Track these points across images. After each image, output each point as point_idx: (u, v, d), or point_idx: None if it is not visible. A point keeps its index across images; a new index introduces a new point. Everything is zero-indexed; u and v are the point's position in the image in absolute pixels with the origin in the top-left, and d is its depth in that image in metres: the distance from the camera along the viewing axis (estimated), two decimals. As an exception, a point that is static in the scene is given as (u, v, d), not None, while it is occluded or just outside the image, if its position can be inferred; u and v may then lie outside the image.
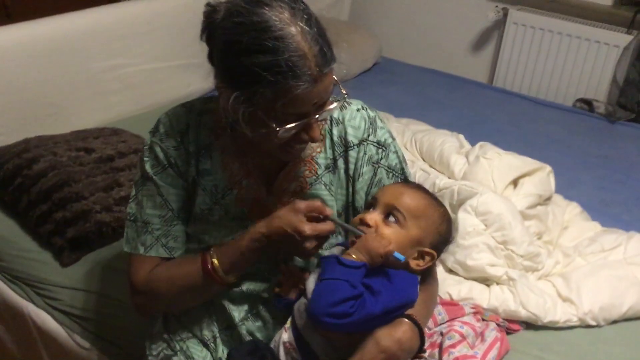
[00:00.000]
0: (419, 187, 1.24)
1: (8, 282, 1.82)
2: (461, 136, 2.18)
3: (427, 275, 1.26)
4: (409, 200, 1.17)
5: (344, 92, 1.16)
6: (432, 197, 1.23)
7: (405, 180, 1.31)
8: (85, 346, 1.65)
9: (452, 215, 1.76)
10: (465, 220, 1.70)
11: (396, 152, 1.30)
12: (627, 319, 1.61)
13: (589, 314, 1.57)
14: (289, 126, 1.07)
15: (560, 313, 1.57)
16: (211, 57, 1.13)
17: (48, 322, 1.73)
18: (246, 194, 1.26)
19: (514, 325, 1.56)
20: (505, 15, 3.25)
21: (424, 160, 2.10)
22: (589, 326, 1.58)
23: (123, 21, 2.52)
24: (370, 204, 1.20)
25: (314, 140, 1.14)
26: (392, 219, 1.15)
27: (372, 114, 1.28)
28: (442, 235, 1.22)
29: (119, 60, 2.52)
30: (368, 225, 1.15)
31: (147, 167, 1.24)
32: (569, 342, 1.54)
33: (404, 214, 1.15)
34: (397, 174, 1.29)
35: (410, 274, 1.17)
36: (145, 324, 1.44)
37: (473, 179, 1.85)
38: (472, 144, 2.12)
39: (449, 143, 2.07)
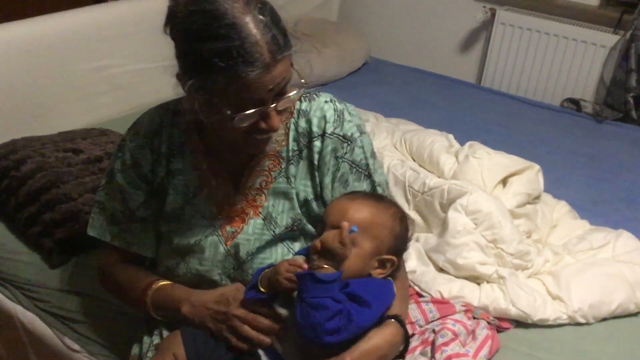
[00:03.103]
0: (364, 196, 1.22)
1: (-4, 284, 1.81)
2: (451, 136, 2.19)
3: (395, 270, 1.26)
4: (354, 214, 1.16)
5: (303, 81, 1.17)
6: (378, 201, 1.22)
7: (368, 177, 1.30)
8: (74, 348, 1.63)
9: (442, 214, 1.78)
10: (456, 219, 1.70)
11: (362, 147, 1.29)
12: (616, 317, 1.62)
13: (579, 311, 1.58)
14: (244, 113, 1.09)
15: (550, 311, 1.57)
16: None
17: (37, 324, 1.71)
18: (216, 193, 1.29)
19: (505, 323, 1.56)
20: (493, 15, 3.26)
21: (413, 159, 2.10)
22: (578, 324, 1.59)
23: (110, 22, 2.50)
24: (320, 227, 1.19)
25: (272, 130, 1.14)
26: None
27: (340, 106, 1.28)
28: (397, 236, 1.21)
29: (106, 61, 2.50)
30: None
31: (116, 163, 1.32)
32: (559, 340, 1.54)
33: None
34: (360, 169, 1.29)
35: (385, 280, 1.18)
36: (135, 327, 1.44)
37: (463, 178, 1.86)
38: (461, 143, 2.13)
39: (438, 142, 2.07)
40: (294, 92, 1.15)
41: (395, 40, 3.70)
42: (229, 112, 1.09)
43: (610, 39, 2.98)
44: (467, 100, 3.04)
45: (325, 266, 1.10)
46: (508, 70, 3.31)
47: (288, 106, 1.17)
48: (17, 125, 2.24)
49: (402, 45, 3.68)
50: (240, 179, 1.29)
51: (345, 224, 1.12)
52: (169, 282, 1.32)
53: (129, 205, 1.31)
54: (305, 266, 1.12)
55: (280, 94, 1.12)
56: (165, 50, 2.84)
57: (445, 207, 1.78)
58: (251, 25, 1.05)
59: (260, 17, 1.06)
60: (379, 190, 1.32)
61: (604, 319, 1.61)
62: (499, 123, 2.79)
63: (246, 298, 1.18)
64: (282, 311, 1.16)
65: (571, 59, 3.11)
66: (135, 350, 1.37)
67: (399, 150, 2.16)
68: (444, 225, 1.74)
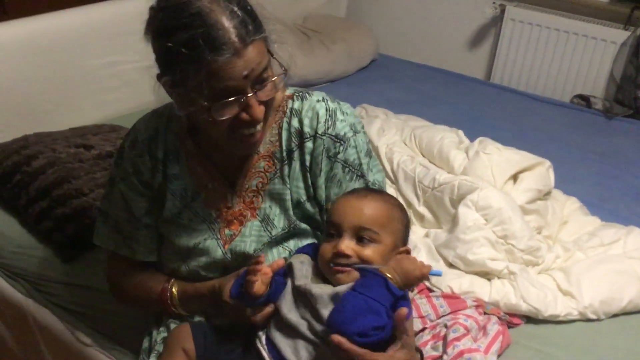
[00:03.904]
0: (368, 192, 1.20)
1: (8, 278, 1.82)
2: (460, 132, 2.18)
3: None
4: (371, 212, 1.15)
5: (283, 68, 1.15)
6: (384, 196, 1.21)
7: (361, 177, 1.28)
8: (86, 342, 1.64)
9: (452, 210, 1.78)
10: (466, 215, 1.70)
11: (356, 146, 1.26)
12: (627, 313, 1.61)
13: (590, 307, 1.58)
14: (221, 102, 1.07)
15: (560, 307, 1.57)
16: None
17: (49, 318, 1.72)
18: (213, 197, 1.28)
19: (515, 319, 1.56)
20: (503, 11, 3.25)
21: (423, 155, 2.10)
22: (589, 320, 1.58)
23: (120, 18, 2.50)
24: (334, 230, 1.16)
25: (255, 120, 1.12)
26: (365, 238, 1.13)
27: (332, 105, 1.25)
28: (407, 225, 1.21)
29: (116, 57, 2.51)
30: (347, 256, 1.12)
31: (117, 171, 1.31)
32: (569, 336, 1.54)
33: (374, 230, 1.13)
34: (353, 169, 1.26)
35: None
36: (145, 321, 1.45)
37: (473, 174, 1.86)
38: (470, 140, 2.12)
39: (448, 139, 2.07)
40: (275, 77, 1.12)
41: (404, 36, 3.69)
42: (205, 102, 1.07)
43: (620, 35, 2.97)
44: (476, 96, 3.03)
45: (389, 275, 1.08)
46: (517, 66, 3.30)
47: (271, 96, 1.14)
48: (28, 121, 2.25)
49: (411, 41, 3.67)
50: (236, 182, 1.28)
51: (430, 267, 1.11)
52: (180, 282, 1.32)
53: (134, 213, 1.30)
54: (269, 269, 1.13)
55: (258, 82, 1.10)
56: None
57: (455, 203, 1.78)
58: (217, 11, 1.04)
59: (227, 2, 1.05)
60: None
61: (615, 315, 1.61)
62: (508, 120, 2.78)
63: (231, 296, 1.18)
64: (292, 317, 1.14)
65: (581, 55, 3.09)
66: (145, 344, 1.38)
67: (409, 146, 2.16)
68: (454, 221, 1.74)
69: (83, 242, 1.78)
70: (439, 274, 1.14)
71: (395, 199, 1.24)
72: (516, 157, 1.93)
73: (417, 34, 3.66)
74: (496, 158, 1.90)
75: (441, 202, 1.82)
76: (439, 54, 3.56)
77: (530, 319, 1.57)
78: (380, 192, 1.23)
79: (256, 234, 1.27)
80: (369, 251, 1.13)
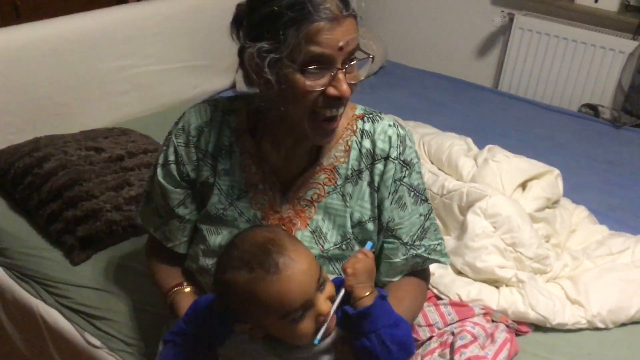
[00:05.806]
0: (290, 254, 1.05)
1: (18, 280, 1.83)
2: (469, 139, 2.19)
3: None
4: (310, 268, 1.06)
5: (369, 54, 1.16)
6: (291, 242, 1.08)
7: (425, 201, 1.29)
8: (95, 344, 1.64)
9: (460, 217, 1.79)
10: (475, 222, 1.71)
11: (420, 172, 1.29)
12: (635, 322, 1.62)
13: (597, 316, 1.58)
14: (313, 67, 1.07)
15: (568, 315, 1.57)
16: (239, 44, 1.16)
17: (58, 320, 1.73)
18: (261, 198, 1.27)
19: (523, 327, 1.56)
20: (511, 20, 3.27)
21: (432, 162, 2.11)
22: (597, 328, 1.59)
23: (132, 23, 2.53)
24: (301, 308, 1.04)
25: (342, 95, 1.11)
26: (321, 286, 1.07)
27: (402, 132, 1.28)
28: None
29: (127, 61, 2.53)
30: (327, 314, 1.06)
31: (161, 157, 1.31)
32: (577, 344, 1.55)
33: (321, 273, 1.08)
34: (418, 194, 1.28)
35: None
36: (155, 324, 1.45)
37: (482, 182, 1.86)
38: (479, 147, 2.13)
39: (457, 146, 2.08)
40: (359, 61, 1.13)
41: (413, 43, 3.71)
42: (299, 67, 1.07)
43: (628, 44, 2.97)
44: (484, 104, 3.04)
45: (367, 292, 1.09)
46: (525, 75, 3.31)
47: (357, 79, 1.14)
48: (40, 123, 2.27)
49: (420, 48, 3.69)
50: (290, 188, 1.27)
51: (366, 249, 1.14)
52: (186, 292, 1.32)
53: (169, 203, 1.31)
54: None
55: (349, 61, 1.11)
56: (186, 51, 2.87)
57: (464, 210, 1.78)
58: None
59: None
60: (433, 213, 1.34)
61: (623, 324, 1.61)
62: (515, 128, 2.79)
63: None
64: None
65: (589, 64, 3.10)
66: (161, 347, 1.37)
67: (417, 153, 2.16)
68: (462, 228, 1.75)
69: (93, 244, 1.79)
70: (369, 247, 1.15)
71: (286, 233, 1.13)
72: (525, 165, 1.94)
73: (425, 41, 3.67)
74: (505, 166, 1.91)
75: (450, 209, 1.83)
76: (447, 61, 3.57)
77: (538, 327, 1.58)
78: (285, 244, 1.08)
79: (306, 245, 1.23)
80: (329, 289, 1.08)
